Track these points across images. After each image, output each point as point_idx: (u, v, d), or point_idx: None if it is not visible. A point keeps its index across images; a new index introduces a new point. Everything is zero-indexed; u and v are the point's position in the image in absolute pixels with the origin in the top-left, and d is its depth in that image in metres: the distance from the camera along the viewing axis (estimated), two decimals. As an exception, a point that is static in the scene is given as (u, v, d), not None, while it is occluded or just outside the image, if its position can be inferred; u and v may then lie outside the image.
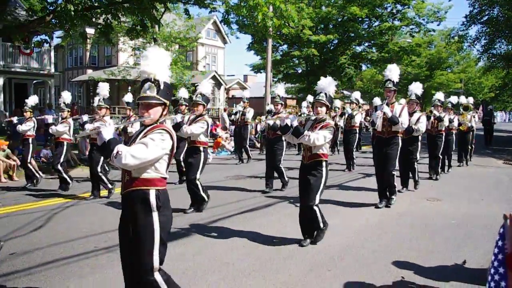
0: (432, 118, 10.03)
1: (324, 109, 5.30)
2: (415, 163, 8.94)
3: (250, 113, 13.30)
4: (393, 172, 7.34)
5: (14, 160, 10.33)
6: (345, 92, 36.42)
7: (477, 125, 15.62)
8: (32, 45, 21.50)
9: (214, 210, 7.04)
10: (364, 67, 37.26)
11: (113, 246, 5.25)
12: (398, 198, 7.90)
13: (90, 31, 20.48)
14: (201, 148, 6.85)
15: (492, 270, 2.36)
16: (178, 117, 6.70)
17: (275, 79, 33.51)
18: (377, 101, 11.99)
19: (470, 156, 13.56)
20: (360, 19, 28.38)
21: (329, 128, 5.24)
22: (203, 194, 6.91)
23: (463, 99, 13.03)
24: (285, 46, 31.85)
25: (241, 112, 13.24)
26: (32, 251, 5.02)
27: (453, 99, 11.60)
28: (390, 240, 5.63)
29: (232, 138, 16.40)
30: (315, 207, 5.24)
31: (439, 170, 10.67)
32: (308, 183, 5.23)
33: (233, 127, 15.90)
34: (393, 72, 7.24)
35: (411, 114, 8.16)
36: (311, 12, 27.28)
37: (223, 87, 35.12)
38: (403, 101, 11.79)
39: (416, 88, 8.51)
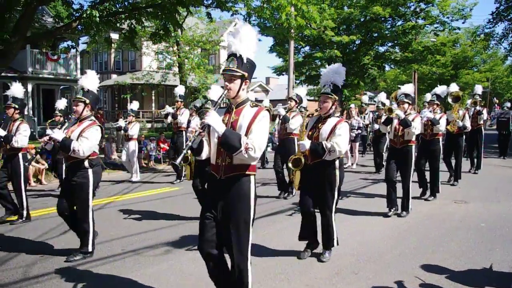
0: (425, 119, 7.85)
1: (330, 103, 4.68)
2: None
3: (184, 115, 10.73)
4: (410, 182, 6.87)
5: (43, 164, 10.56)
6: (369, 94, 36.04)
7: (486, 126, 14.23)
8: (59, 51, 22.05)
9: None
10: (387, 68, 36.77)
11: (139, 248, 5.33)
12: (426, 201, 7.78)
13: (114, 36, 20.84)
14: None
15: None
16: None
17: (298, 81, 33.38)
18: (382, 96, 11.50)
19: (459, 172, 9.81)
20: (383, 18, 28.02)
21: (343, 126, 4.62)
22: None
23: (453, 87, 9.14)
24: (307, 48, 31.69)
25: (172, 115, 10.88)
26: (60, 255, 5.12)
27: (440, 89, 8.45)
28: (417, 243, 5.53)
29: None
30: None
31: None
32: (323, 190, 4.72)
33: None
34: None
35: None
36: (333, 13, 27.07)
37: (246, 89, 35.13)
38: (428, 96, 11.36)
39: (439, 90, 8.30)
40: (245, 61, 3.25)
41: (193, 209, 7.35)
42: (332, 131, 4.59)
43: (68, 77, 23.48)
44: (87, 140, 4.79)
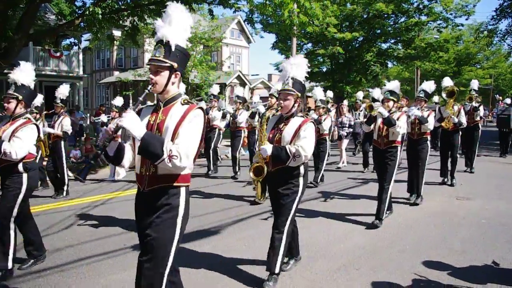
0: (412, 117, 7.34)
1: (291, 101, 4.03)
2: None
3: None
4: (390, 187, 6.25)
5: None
6: (371, 90, 35.98)
7: (484, 123, 13.77)
8: (62, 48, 22.10)
9: (243, 209, 7.10)
10: (390, 65, 36.70)
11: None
12: (428, 197, 7.79)
13: (117, 33, 20.86)
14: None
15: None
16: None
17: (300, 78, 33.31)
18: (376, 92, 10.66)
19: (453, 171, 9.30)
20: (385, 15, 27.97)
21: (308, 127, 3.97)
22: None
23: (447, 81, 8.69)
24: (309, 45, 31.66)
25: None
26: (63, 249, 5.16)
27: (427, 85, 7.74)
28: (419, 240, 5.55)
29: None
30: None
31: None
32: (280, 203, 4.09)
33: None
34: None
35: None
36: (336, 10, 27.03)
37: (248, 86, 35.22)
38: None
39: (426, 86, 7.69)
40: (173, 49, 2.75)
41: (196, 205, 7.39)
42: (296, 133, 3.96)
43: (70, 74, 23.54)
44: (20, 140, 4.19)
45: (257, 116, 9.38)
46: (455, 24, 30.07)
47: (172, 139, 2.67)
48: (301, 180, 4.04)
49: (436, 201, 7.76)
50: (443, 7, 28.48)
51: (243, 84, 33.73)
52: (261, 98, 11.87)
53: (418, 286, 4.13)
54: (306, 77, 4.14)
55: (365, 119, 6.65)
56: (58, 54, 22.81)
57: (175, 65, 2.76)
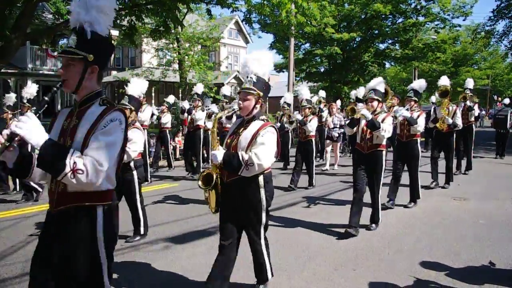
0: (401, 118, 6.83)
1: (252, 101, 3.54)
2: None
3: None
4: (379, 193, 5.90)
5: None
6: (354, 92, 35.99)
7: (481, 124, 13.37)
8: (59, 48, 22.01)
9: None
10: (387, 65, 36.76)
11: (139, 244, 5.35)
12: (425, 197, 7.79)
13: (114, 32, 20.82)
14: None
15: None
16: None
17: (298, 78, 33.37)
18: (360, 91, 10.04)
19: (451, 173, 9.01)
20: (383, 16, 28.02)
21: (267, 132, 3.44)
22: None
23: (443, 80, 8.41)
24: (307, 45, 31.66)
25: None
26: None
27: (417, 84, 7.31)
28: (416, 240, 5.55)
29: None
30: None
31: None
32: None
33: None
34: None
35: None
36: (334, 10, 27.06)
37: (245, 86, 35.17)
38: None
39: (416, 84, 7.29)
40: (89, 36, 2.28)
41: (193, 206, 7.39)
42: (254, 138, 3.43)
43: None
44: None
45: (213, 117, 8.35)
46: (453, 24, 30.15)
47: (81, 149, 2.21)
48: (262, 192, 3.50)
49: (433, 201, 7.78)
50: (441, 8, 28.55)
51: (241, 84, 33.73)
52: (225, 96, 11.44)
53: (415, 286, 4.13)
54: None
55: (348, 121, 6.19)
56: (55, 53, 22.76)
57: (91, 56, 2.28)
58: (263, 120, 3.55)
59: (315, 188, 9.04)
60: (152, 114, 10.62)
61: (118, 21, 12.44)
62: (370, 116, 5.55)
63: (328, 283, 4.19)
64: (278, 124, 10.53)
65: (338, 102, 14.94)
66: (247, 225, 3.63)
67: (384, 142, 5.76)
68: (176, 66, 21.71)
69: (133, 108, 5.39)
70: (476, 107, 11.42)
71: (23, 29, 10.88)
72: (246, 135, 3.48)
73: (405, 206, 7.30)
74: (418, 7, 28.35)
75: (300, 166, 9.02)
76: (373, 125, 5.53)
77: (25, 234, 5.74)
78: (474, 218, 6.59)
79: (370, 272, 4.45)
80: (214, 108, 6.97)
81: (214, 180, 3.47)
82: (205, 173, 3.55)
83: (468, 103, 10.52)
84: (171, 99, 11.74)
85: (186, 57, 20.24)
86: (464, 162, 10.91)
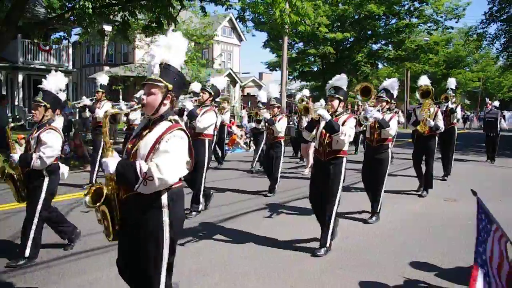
0: (371, 119, 6.07)
1: (158, 96, 2.81)
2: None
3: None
4: (336, 204, 5.03)
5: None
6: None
7: (469, 126, 12.87)
8: (51, 42, 21.86)
9: (221, 209, 7.09)
10: (380, 65, 36.97)
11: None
12: (415, 198, 7.82)
13: (107, 28, 20.70)
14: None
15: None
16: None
17: (291, 77, 33.45)
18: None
19: (430, 179, 8.31)
20: (377, 16, 28.16)
21: (173, 137, 2.76)
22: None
23: (423, 80, 7.95)
24: (301, 44, 31.75)
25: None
26: (52, 245, 5.09)
27: (389, 83, 6.69)
28: (405, 241, 5.58)
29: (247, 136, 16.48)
30: None
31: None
32: None
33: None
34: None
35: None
36: (328, 10, 27.14)
37: (239, 84, 35.18)
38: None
39: (388, 84, 6.68)
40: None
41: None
42: (156, 143, 2.70)
43: (60, 68, 23.22)
44: None
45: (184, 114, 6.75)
46: (445, 26, 30.44)
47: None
48: (165, 214, 2.74)
49: (423, 202, 7.82)
50: (434, 10, 28.76)
51: (234, 82, 33.69)
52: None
53: (404, 286, 4.15)
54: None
55: (305, 125, 5.41)
56: (47, 47, 22.57)
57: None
58: (171, 121, 2.79)
59: (275, 195, 8.21)
60: None
61: (111, 17, 12.38)
62: (328, 117, 4.79)
63: (317, 283, 4.19)
64: (253, 124, 10.33)
65: (322, 101, 14.67)
66: (142, 261, 2.81)
67: (345, 148, 5.02)
68: (169, 62, 21.63)
69: (48, 105, 4.53)
70: (458, 109, 10.70)
71: (15, 22, 10.79)
72: (148, 140, 2.74)
73: (366, 222, 6.39)
74: (412, 8, 28.55)
75: (271, 172, 8.26)
76: (332, 128, 4.78)
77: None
78: (464, 219, 6.62)
79: (359, 273, 4.45)
80: (188, 103, 6.02)
81: (104, 196, 2.72)
82: (94, 188, 2.80)
83: (449, 104, 9.89)
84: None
85: (179, 53, 20.20)
86: (440, 166, 10.19)
